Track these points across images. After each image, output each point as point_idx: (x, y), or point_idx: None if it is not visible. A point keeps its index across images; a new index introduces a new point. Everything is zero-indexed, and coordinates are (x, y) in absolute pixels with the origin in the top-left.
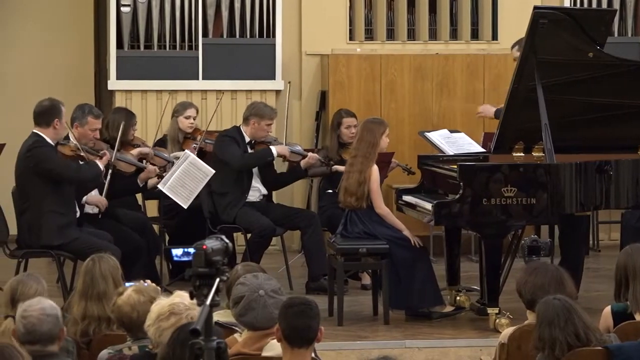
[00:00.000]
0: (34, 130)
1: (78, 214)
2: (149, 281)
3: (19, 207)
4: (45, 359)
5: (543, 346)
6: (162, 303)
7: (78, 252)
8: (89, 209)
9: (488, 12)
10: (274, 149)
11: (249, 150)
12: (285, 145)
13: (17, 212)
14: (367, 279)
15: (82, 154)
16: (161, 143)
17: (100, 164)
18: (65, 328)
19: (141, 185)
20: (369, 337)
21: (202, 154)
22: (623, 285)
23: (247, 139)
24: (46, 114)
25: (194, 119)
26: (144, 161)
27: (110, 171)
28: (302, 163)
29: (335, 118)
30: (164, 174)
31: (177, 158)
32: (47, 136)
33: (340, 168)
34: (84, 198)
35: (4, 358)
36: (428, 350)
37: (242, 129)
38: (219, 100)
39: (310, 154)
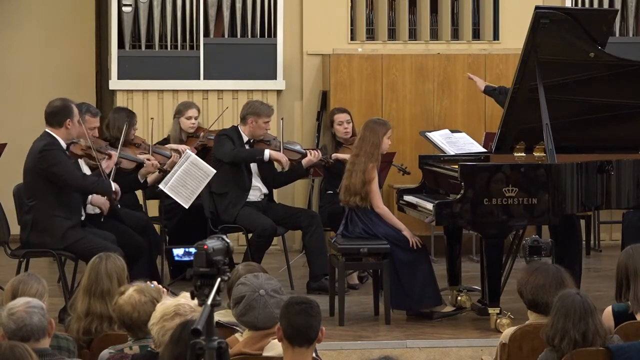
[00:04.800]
0: (46, 130)
1: (83, 217)
2: (155, 282)
3: (24, 205)
4: (39, 357)
5: (554, 335)
6: (167, 303)
7: (81, 253)
8: (90, 210)
9: (489, 12)
10: (267, 152)
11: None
12: (285, 143)
13: (19, 210)
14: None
15: (92, 153)
16: (165, 143)
17: (106, 166)
18: (69, 325)
19: (142, 181)
20: (370, 337)
21: (205, 151)
22: (624, 286)
23: (246, 139)
24: (58, 114)
25: (196, 119)
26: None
27: (113, 170)
28: (305, 161)
29: (328, 117)
30: (164, 168)
31: (175, 150)
32: (59, 136)
33: (341, 156)
34: (88, 198)
35: (15, 357)
36: (429, 350)
37: (240, 128)
38: (226, 105)
39: (313, 151)
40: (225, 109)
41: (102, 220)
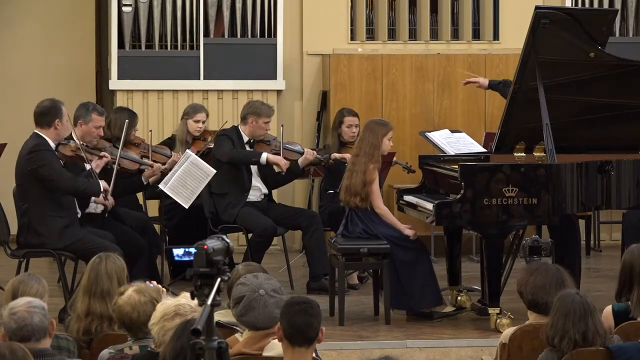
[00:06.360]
0: (35, 131)
1: (79, 214)
2: (154, 282)
3: (19, 208)
4: (39, 357)
5: (554, 335)
6: (167, 303)
7: (80, 252)
8: (91, 209)
9: (489, 12)
10: (264, 156)
11: (247, 149)
12: (285, 143)
13: (18, 214)
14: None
15: (82, 154)
16: (169, 143)
17: (96, 166)
18: (69, 325)
19: (145, 183)
20: (370, 337)
21: (208, 152)
22: (626, 286)
23: (246, 139)
24: (47, 114)
25: (203, 123)
26: (147, 158)
27: (115, 170)
28: (300, 161)
29: (337, 117)
30: (165, 169)
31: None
32: (49, 137)
33: (338, 155)
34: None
35: (17, 357)
36: (429, 350)
37: (240, 128)
38: (226, 105)
39: (307, 149)
40: (225, 122)
41: (106, 215)
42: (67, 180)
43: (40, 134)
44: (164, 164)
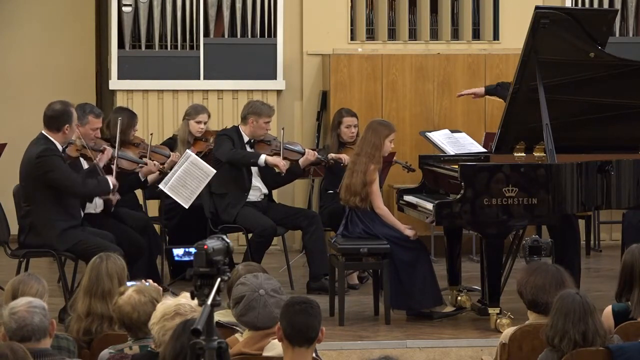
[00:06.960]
0: (43, 132)
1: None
2: (150, 281)
3: (22, 209)
4: (39, 357)
5: (554, 335)
6: (168, 303)
7: (81, 253)
8: (91, 209)
9: (489, 12)
10: (262, 157)
11: (248, 149)
12: (286, 143)
13: (18, 214)
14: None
15: (86, 152)
16: (170, 142)
17: (99, 159)
18: (69, 325)
19: (143, 180)
20: (370, 337)
21: (208, 152)
22: (626, 286)
23: (246, 139)
24: (58, 119)
25: (205, 124)
26: (144, 158)
27: (114, 171)
28: (301, 161)
29: (335, 117)
30: (164, 169)
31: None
32: (56, 140)
33: (335, 155)
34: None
35: (18, 358)
36: (429, 350)
37: (241, 128)
38: (226, 105)
39: (308, 150)
40: (225, 127)
41: (112, 210)
42: (80, 185)
43: (48, 136)
44: (162, 163)
